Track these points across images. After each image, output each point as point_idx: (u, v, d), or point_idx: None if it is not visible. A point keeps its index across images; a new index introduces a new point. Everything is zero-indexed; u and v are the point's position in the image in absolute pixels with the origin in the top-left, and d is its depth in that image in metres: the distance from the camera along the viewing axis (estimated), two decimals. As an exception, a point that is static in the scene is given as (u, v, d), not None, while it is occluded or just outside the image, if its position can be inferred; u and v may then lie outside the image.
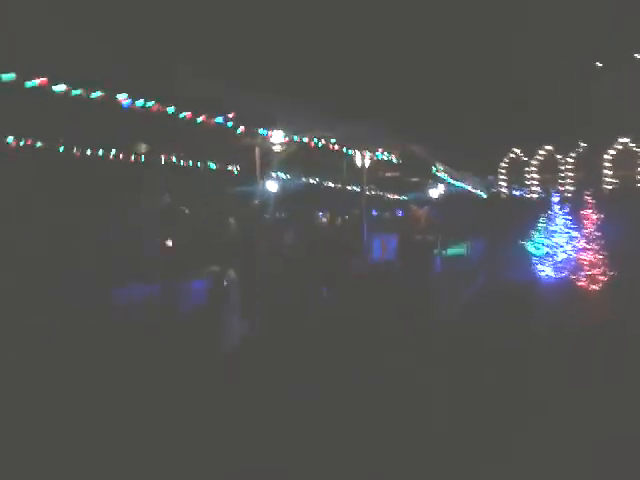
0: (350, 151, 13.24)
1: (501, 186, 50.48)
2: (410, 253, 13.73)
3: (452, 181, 21.41)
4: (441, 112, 33.54)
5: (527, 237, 19.33)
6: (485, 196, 31.47)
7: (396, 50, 31.76)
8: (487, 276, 19.53)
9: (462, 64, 35.76)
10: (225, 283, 7.91)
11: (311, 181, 18.85)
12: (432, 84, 33.32)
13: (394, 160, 15.15)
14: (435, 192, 21.90)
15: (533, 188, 50.33)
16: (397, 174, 18.81)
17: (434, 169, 18.07)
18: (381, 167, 16.43)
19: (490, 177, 47.00)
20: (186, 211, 11.33)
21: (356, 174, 14.76)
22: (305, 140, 11.23)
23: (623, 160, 46.27)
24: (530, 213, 22.10)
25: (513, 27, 36.96)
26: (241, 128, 8.94)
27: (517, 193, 49.83)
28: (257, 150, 10.52)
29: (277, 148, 10.66)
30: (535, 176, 50.42)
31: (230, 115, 8.66)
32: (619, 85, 41.68)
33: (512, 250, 20.13)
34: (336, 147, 12.49)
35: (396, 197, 24.38)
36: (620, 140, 46.39)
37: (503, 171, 51.10)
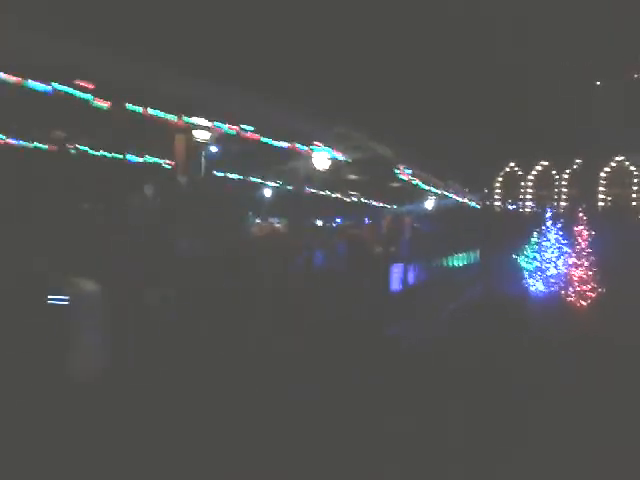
0: (283, 144, 11.67)
1: (495, 199, 50.69)
2: (361, 266, 11.58)
3: (435, 190, 20.72)
4: (439, 121, 33.67)
5: (519, 251, 19.43)
6: (478, 207, 31.39)
7: (392, 60, 31.66)
8: (476, 289, 19.50)
9: (460, 77, 35.96)
10: (74, 298, 5.99)
11: (269, 183, 16.98)
12: (429, 95, 33.44)
13: (339, 158, 13.69)
14: (429, 203, 21.64)
15: (527, 202, 50.57)
16: (365, 178, 17.65)
17: (397, 172, 16.44)
18: (342, 169, 15.02)
19: (485, 190, 47.19)
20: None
21: (318, 177, 13.61)
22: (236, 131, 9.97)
23: (617, 178, 46.60)
24: (523, 227, 22.19)
25: (515, 41, 37.21)
26: (105, 103, 6.87)
27: (511, 207, 50.04)
28: (180, 140, 9.14)
29: (203, 137, 9.17)
30: (530, 190, 50.66)
31: (87, 85, 6.34)
32: (617, 104, 41.98)
33: (504, 263, 20.21)
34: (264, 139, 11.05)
35: (384, 206, 23.38)
36: (616, 158, 46.74)
37: (498, 184, 51.35)
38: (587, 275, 17.37)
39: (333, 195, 20.25)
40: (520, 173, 51.25)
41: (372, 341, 9.71)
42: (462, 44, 34.76)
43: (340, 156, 13.64)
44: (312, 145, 12.47)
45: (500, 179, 51.72)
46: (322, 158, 13.01)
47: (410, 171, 17.41)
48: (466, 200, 28.57)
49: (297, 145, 12.04)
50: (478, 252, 23.50)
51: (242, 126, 10.07)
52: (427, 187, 20.02)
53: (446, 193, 24.36)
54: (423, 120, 31.58)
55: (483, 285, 20.19)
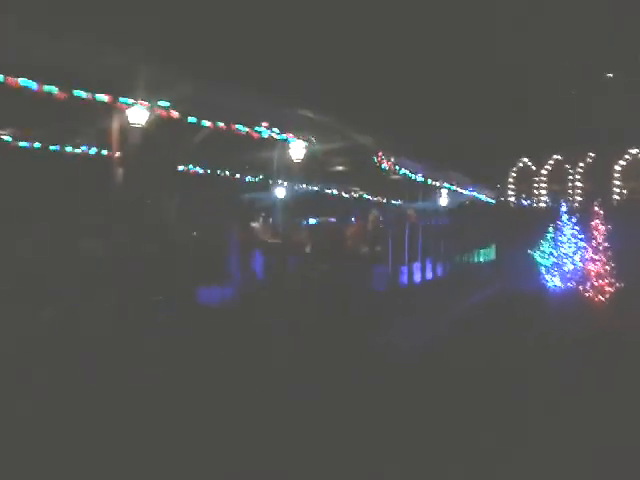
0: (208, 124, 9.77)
1: (509, 195, 50.46)
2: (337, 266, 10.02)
3: (431, 181, 19.53)
4: (451, 118, 33.51)
5: (535, 246, 19.29)
6: (493, 202, 30.85)
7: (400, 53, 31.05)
8: (488, 291, 19.26)
9: (470, 72, 35.80)
10: None
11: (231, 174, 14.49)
12: (440, 90, 33.27)
13: (303, 144, 11.83)
14: (445, 200, 21.36)
15: (541, 198, 50.31)
16: (349, 168, 16.30)
17: (375, 160, 14.64)
18: (323, 160, 13.75)
19: (498, 186, 46.98)
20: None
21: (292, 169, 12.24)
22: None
23: (632, 171, 46.21)
24: (538, 223, 22.06)
25: (525, 36, 36.97)
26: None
27: (525, 202, 49.79)
28: (116, 125, 8.13)
29: (138, 120, 7.91)
30: (544, 185, 50.38)
31: None
32: (629, 96, 41.64)
33: (519, 259, 20.08)
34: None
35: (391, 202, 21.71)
36: (630, 151, 46.33)
37: (512, 180, 51.12)
38: (605, 270, 17.25)
39: (329, 191, 18.93)
40: (533, 168, 50.96)
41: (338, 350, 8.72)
42: (475, 41, 34.56)
43: (293, 139, 12.24)
44: (257, 127, 11.19)
45: (513, 175, 51.43)
46: (298, 148, 11.64)
47: (393, 159, 15.62)
48: (475, 194, 27.51)
49: (237, 127, 10.65)
50: (492, 249, 23.17)
51: (160, 103, 8.33)
52: (417, 177, 18.30)
53: (448, 185, 22.88)
54: (433, 117, 31.43)
55: (498, 284, 19.88)
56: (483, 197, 26.98)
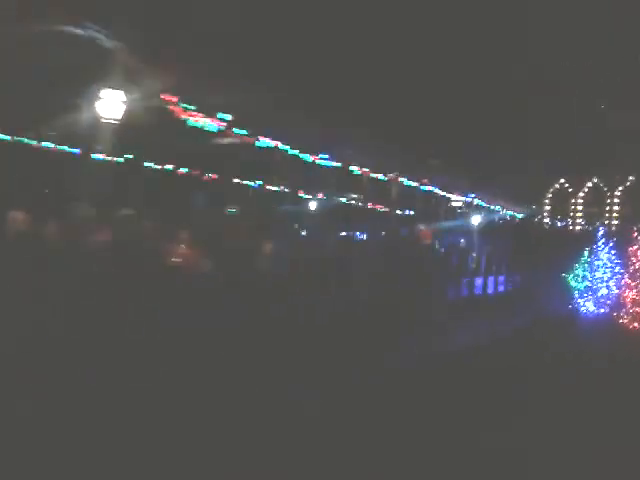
0: None
1: (544, 216, 49.83)
2: None
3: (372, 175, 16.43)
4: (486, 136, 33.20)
5: (569, 270, 18.87)
6: (520, 217, 29.88)
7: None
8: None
9: (508, 92, 35.47)
10: None
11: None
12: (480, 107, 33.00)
13: None
14: (476, 219, 20.95)
15: (577, 220, 49.54)
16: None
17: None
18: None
19: (533, 206, 46.46)
20: None
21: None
22: None
23: (673, 196, 45.30)
24: (573, 245, 21.64)
25: (562, 55, 36.52)
26: None
27: (560, 224, 49.11)
28: None
29: None
30: (580, 208, 49.63)
31: None
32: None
33: (553, 283, 19.66)
34: None
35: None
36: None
37: (547, 201, 50.50)
38: (640, 297, 16.82)
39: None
40: (570, 190, 50.28)
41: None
42: (514, 58, 34.19)
43: None
44: None
45: (549, 195, 50.82)
46: (113, 100, 7.63)
47: (245, 132, 10.79)
48: (476, 202, 24.99)
49: None
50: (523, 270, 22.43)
51: None
52: (315, 160, 13.04)
53: (413, 184, 19.51)
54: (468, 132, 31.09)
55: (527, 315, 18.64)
56: (498, 209, 25.15)
